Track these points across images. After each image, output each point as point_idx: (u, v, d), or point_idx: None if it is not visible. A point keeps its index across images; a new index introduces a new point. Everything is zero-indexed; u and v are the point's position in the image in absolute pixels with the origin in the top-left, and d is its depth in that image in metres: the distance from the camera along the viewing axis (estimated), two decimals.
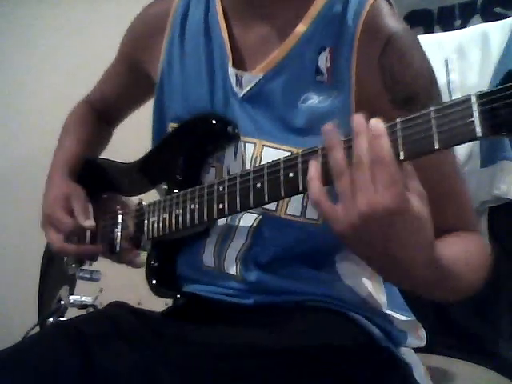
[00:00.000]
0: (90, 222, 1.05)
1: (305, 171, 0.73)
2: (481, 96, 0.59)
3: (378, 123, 0.66)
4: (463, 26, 1.56)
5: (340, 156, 0.68)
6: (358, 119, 0.67)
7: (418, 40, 0.91)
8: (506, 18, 1.37)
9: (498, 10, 1.54)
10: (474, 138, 0.59)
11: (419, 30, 1.62)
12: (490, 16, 1.53)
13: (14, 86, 1.99)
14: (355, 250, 0.72)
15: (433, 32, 1.60)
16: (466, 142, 0.61)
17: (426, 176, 0.68)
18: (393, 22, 0.88)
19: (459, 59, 1.36)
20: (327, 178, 0.70)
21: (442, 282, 0.73)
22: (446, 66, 1.35)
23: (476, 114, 0.59)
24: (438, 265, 0.70)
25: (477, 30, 1.38)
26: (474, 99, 0.59)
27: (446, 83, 1.32)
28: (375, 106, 0.87)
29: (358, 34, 0.88)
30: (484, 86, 1.31)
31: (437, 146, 0.62)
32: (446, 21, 1.61)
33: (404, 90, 0.86)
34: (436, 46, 1.36)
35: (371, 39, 0.87)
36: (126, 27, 1.14)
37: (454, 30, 1.50)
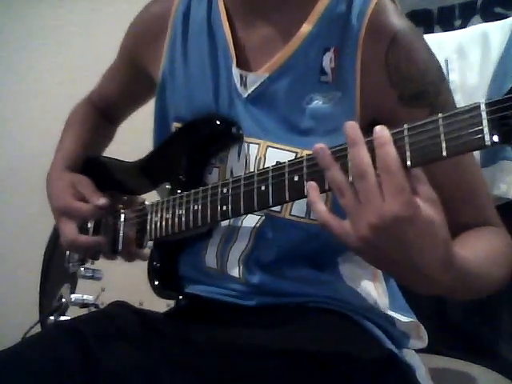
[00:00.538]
0: (103, 200, 1.04)
1: (310, 175, 0.73)
2: (490, 104, 0.58)
3: (382, 130, 0.64)
4: (463, 26, 1.56)
5: (337, 174, 0.67)
6: (351, 128, 0.66)
7: (423, 37, 0.91)
8: (506, 17, 1.37)
9: (498, 10, 1.53)
10: (482, 146, 0.58)
11: (419, 30, 1.62)
12: (489, 16, 1.52)
13: (14, 86, 1.99)
14: (372, 262, 0.71)
15: (433, 32, 1.59)
16: (475, 150, 0.60)
17: (444, 175, 0.67)
18: (397, 19, 0.88)
19: (459, 59, 1.37)
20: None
21: (463, 281, 0.71)
22: (446, 65, 1.35)
23: (485, 123, 0.58)
24: (457, 265, 0.69)
25: (477, 29, 1.38)
26: (483, 107, 0.58)
27: None
28: (380, 105, 0.87)
29: (363, 33, 0.87)
30: (484, 86, 1.31)
31: (444, 154, 0.61)
32: (446, 21, 1.61)
33: (412, 86, 0.86)
34: (436, 46, 1.34)
35: (376, 38, 0.87)
36: (127, 27, 1.14)
37: (454, 29, 1.50)
